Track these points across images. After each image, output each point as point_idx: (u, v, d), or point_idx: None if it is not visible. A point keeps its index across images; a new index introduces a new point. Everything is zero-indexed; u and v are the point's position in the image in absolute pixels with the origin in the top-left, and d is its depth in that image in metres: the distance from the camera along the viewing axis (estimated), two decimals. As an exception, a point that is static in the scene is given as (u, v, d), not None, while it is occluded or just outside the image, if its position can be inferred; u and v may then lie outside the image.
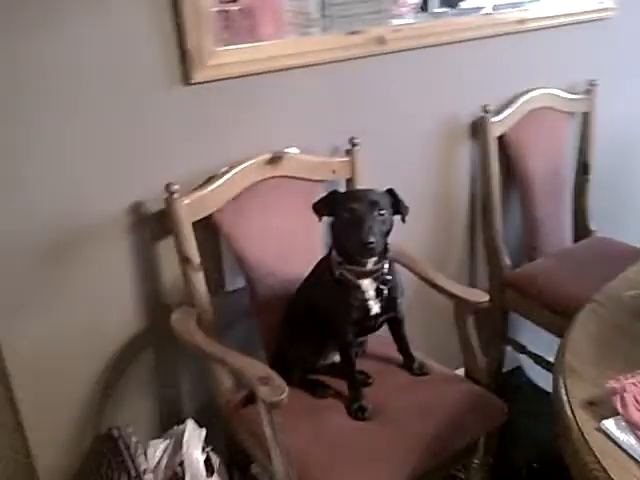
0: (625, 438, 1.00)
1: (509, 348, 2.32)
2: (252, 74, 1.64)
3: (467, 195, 2.22)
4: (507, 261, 2.18)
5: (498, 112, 2.12)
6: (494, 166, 2.11)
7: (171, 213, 1.53)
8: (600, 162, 2.45)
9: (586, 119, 2.37)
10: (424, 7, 1.95)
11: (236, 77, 1.62)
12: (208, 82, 1.58)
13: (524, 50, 2.17)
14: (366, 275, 1.49)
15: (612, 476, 0.94)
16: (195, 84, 1.57)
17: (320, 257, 1.62)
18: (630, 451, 0.98)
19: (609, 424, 1.02)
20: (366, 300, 1.51)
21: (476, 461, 1.65)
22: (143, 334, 1.71)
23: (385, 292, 1.52)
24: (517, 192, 2.24)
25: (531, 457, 2.10)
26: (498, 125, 2.10)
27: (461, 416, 1.52)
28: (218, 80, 1.60)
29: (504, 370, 2.39)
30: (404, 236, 1.93)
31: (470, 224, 2.26)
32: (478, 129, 2.10)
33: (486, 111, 2.04)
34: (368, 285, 1.50)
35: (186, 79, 1.56)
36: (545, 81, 2.24)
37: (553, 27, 2.19)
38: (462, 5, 2.01)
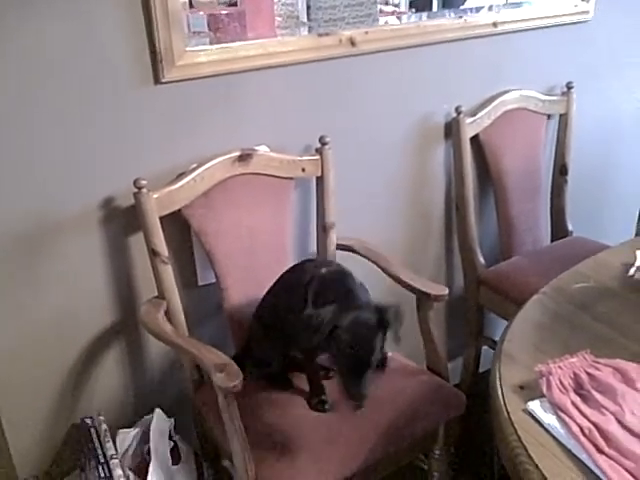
0: (547, 418, 1.03)
1: (486, 347, 2.35)
2: (222, 74, 1.68)
3: (442, 195, 2.24)
4: (481, 260, 2.20)
5: (473, 113, 2.15)
6: (467, 166, 2.14)
7: (139, 207, 1.57)
8: (578, 163, 2.47)
9: (563, 120, 2.40)
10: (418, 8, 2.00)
11: (206, 77, 1.66)
12: (178, 81, 1.62)
13: (499, 52, 2.19)
14: None
15: (531, 454, 0.97)
16: (166, 83, 1.61)
17: (287, 256, 1.66)
18: (551, 430, 1.01)
19: (534, 405, 1.06)
20: None
21: (437, 451, 1.68)
22: (117, 325, 1.75)
23: None
24: (493, 192, 2.27)
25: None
26: (472, 126, 2.13)
27: (418, 406, 1.56)
28: (188, 80, 1.64)
29: (482, 370, 2.41)
30: (379, 236, 1.99)
31: (446, 224, 2.29)
32: (452, 130, 2.14)
33: (458, 112, 2.07)
34: None
35: (157, 78, 1.60)
36: (522, 83, 2.27)
37: (528, 30, 2.22)
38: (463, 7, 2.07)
